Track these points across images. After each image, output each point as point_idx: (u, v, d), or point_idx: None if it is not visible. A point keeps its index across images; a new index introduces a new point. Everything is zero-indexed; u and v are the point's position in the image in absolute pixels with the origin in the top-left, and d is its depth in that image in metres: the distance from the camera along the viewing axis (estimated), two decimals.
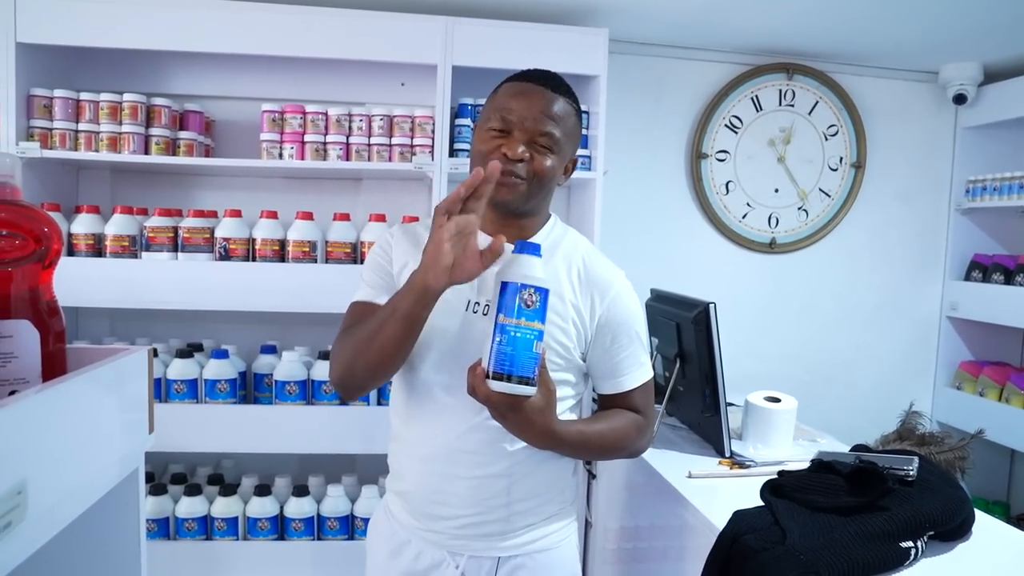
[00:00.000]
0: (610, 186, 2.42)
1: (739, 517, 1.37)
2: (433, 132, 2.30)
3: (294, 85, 2.49)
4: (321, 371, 2.26)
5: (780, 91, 2.82)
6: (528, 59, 2.20)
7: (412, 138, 2.30)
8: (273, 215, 2.27)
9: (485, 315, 1.23)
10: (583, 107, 2.43)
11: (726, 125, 2.81)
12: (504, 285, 1.07)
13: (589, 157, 2.41)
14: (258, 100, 2.35)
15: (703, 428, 1.99)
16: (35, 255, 0.85)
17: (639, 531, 2.02)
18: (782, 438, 1.84)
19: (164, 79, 2.46)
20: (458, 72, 2.29)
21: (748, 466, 1.74)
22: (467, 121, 2.35)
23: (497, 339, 1.06)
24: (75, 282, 2.16)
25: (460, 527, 1.29)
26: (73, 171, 2.48)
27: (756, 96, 2.81)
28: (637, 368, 1.36)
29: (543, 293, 1.08)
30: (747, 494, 1.50)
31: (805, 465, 1.56)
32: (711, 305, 1.81)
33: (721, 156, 2.83)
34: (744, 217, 2.87)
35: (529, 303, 1.06)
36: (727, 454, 1.81)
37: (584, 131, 2.43)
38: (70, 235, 2.20)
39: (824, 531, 1.27)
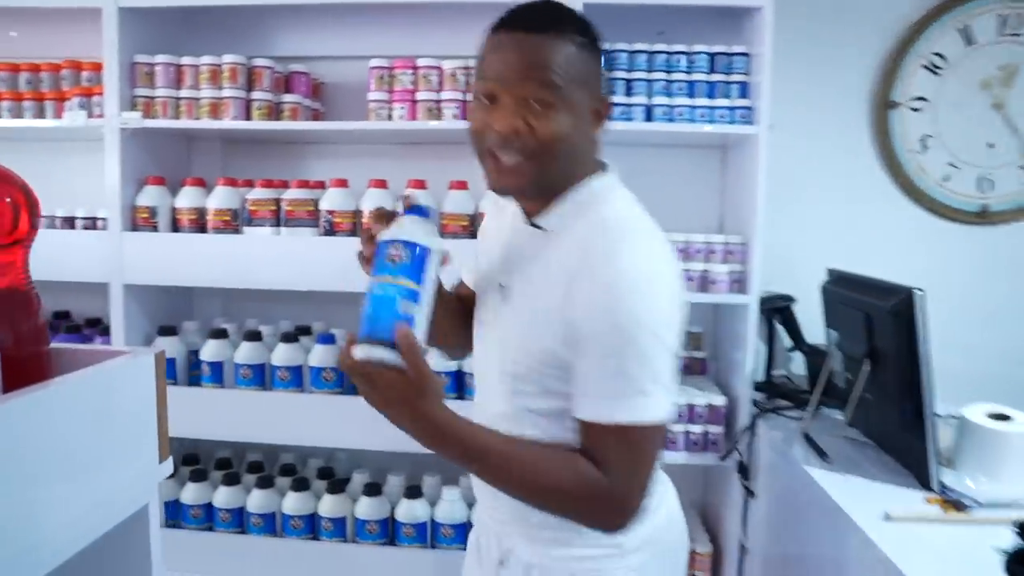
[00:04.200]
0: (774, 144, 1.99)
1: None
2: None
3: (405, 38, 2.22)
4: (440, 360, 2.01)
5: (1001, 18, 2.23)
6: None
7: None
8: (382, 184, 2.04)
9: (504, 300, 1.10)
10: (742, 48, 2.02)
11: (924, 66, 2.27)
12: (376, 245, 0.97)
13: (750, 108, 1.99)
14: (369, 59, 2.11)
15: (898, 447, 1.56)
16: None
17: (808, 568, 1.63)
18: (1016, 470, 1.37)
19: (269, 40, 2.27)
20: (592, 9, 1.92)
21: (968, 508, 1.30)
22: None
23: (366, 303, 0.93)
24: (179, 260, 2.03)
25: (488, 519, 1.21)
26: (184, 141, 2.35)
27: (967, 27, 2.25)
28: (598, 397, 0.96)
29: (412, 248, 0.93)
30: (969, 550, 1.08)
31: None
32: (917, 293, 1.38)
33: (916, 104, 2.29)
34: (946, 180, 2.32)
35: (395, 258, 0.93)
36: (935, 488, 1.38)
37: (743, 76, 2.01)
38: (174, 209, 2.07)
39: None
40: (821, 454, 1.63)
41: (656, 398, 0.95)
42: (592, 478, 0.96)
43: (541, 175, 1.01)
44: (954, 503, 1.32)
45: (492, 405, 1.11)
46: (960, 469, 1.43)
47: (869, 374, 1.58)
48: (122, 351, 0.79)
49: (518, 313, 1.06)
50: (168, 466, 0.83)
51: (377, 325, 0.91)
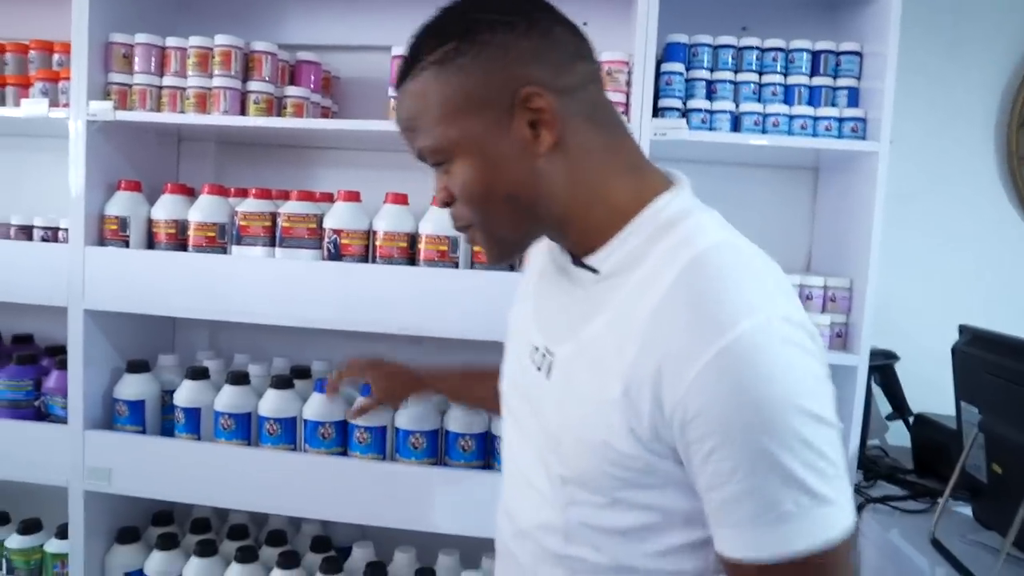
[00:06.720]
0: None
1: None
2: (629, 83, 1.58)
3: None
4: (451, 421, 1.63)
5: None
6: None
7: None
8: (401, 199, 1.66)
9: (539, 370, 0.83)
10: (852, 47, 1.63)
11: None
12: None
13: (863, 120, 1.59)
14: (391, 48, 1.74)
15: None
16: None
17: None
18: None
19: (274, 23, 1.90)
20: None
21: None
22: (678, 67, 1.60)
23: None
24: (151, 282, 1.66)
25: None
26: (171, 141, 2.00)
27: None
28: (752, 526, 0.64)
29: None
30: None
31: None
32: None
33: None
34: None
35: (362, 440, 1.61)
36: None
37: (853, 81, 1.63)
38: (150, 221, 1.71)
39: None
40: (964, 572, 1.23)
41: (834, 503, 0.64)
42: None
43: (502, 239, 0.80)
44: None
45: (534, 513, 0.83)
46: None
47: None
48: None
49: (569, 394, 0.78)
50: None
51: None
